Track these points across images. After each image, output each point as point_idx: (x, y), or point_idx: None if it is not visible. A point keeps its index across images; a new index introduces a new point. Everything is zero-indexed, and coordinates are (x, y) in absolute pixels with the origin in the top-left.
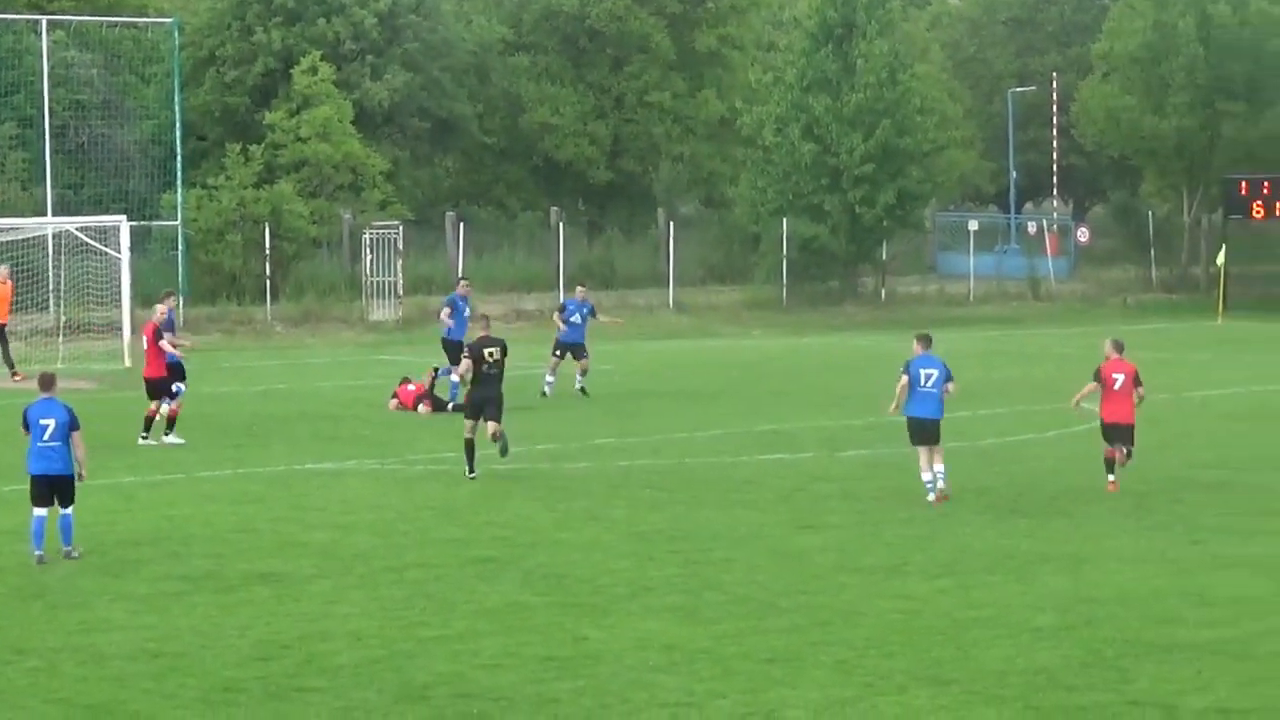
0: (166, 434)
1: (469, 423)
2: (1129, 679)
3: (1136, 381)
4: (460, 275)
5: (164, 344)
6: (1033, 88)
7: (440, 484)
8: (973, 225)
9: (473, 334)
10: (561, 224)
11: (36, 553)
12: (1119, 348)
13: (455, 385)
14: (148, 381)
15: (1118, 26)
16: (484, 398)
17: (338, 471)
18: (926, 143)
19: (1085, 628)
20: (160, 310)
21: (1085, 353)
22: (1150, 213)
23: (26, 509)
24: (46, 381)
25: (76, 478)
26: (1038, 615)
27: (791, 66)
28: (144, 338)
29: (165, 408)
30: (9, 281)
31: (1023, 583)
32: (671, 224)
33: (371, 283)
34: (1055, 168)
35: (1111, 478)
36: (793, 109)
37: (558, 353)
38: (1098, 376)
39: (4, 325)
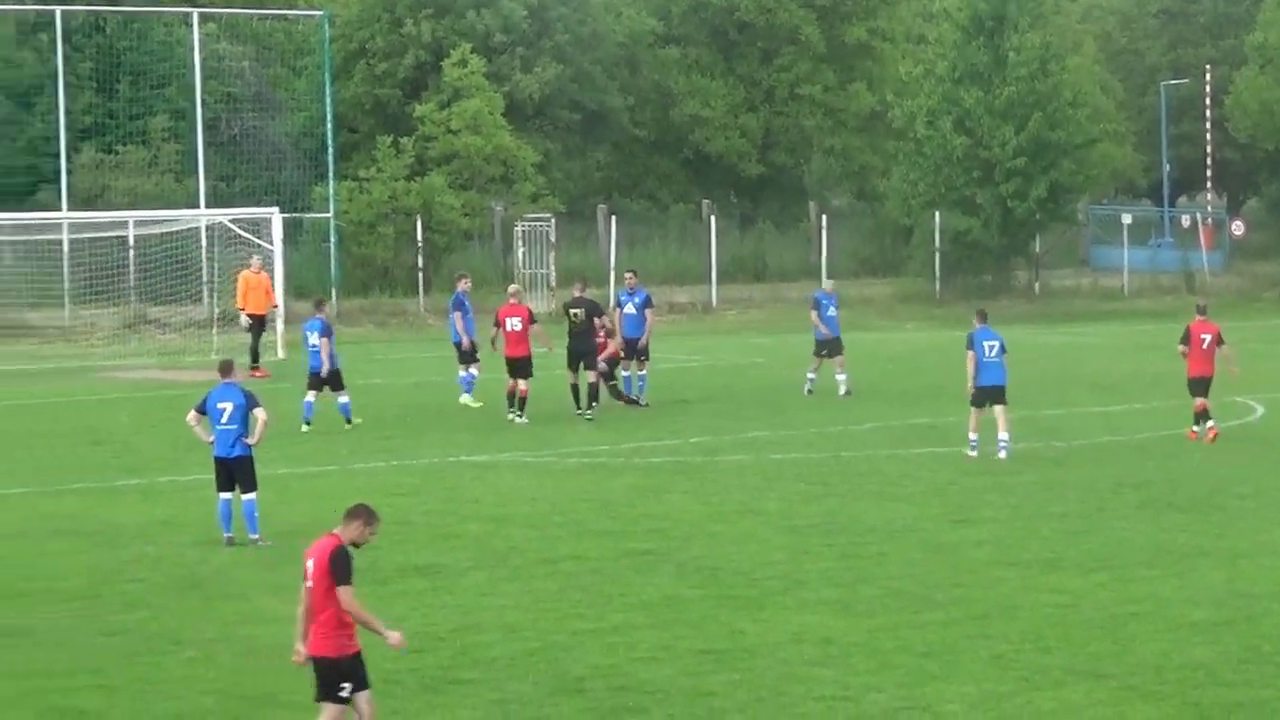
0: (511, 412)
1: (569, 371)
2: None
3: (1220, 340)
4: (627, 270)
5: (455, 317)
6: (1186, 80)
7: (595, 477)
8: (1126, 219)
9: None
10: (713, 217)
11: (225, 535)
12: (1202, 310)
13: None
14: (511, 360)
15: (1272, 18)
16: (577, 349)
17: (492, 464)
18: (1079, 135)
19: (1243, 623)
20: (463, 286)
21: (1238, 346)
22: None
23: (181, 500)
24: (226, 368)
25: (252, 449)
26: (1195, 610)
27: (942, 59)
28: (516, 320)
29: (524, 385)
30: (263, 272)
31: (1179, 577)
32: (824, 217)
33: (524, 275)
34: (1209, 161)
35: (1195, 429)
36: (944, 102)
37: (824, 352)
38: (1186, 338)
39: (264, 316)
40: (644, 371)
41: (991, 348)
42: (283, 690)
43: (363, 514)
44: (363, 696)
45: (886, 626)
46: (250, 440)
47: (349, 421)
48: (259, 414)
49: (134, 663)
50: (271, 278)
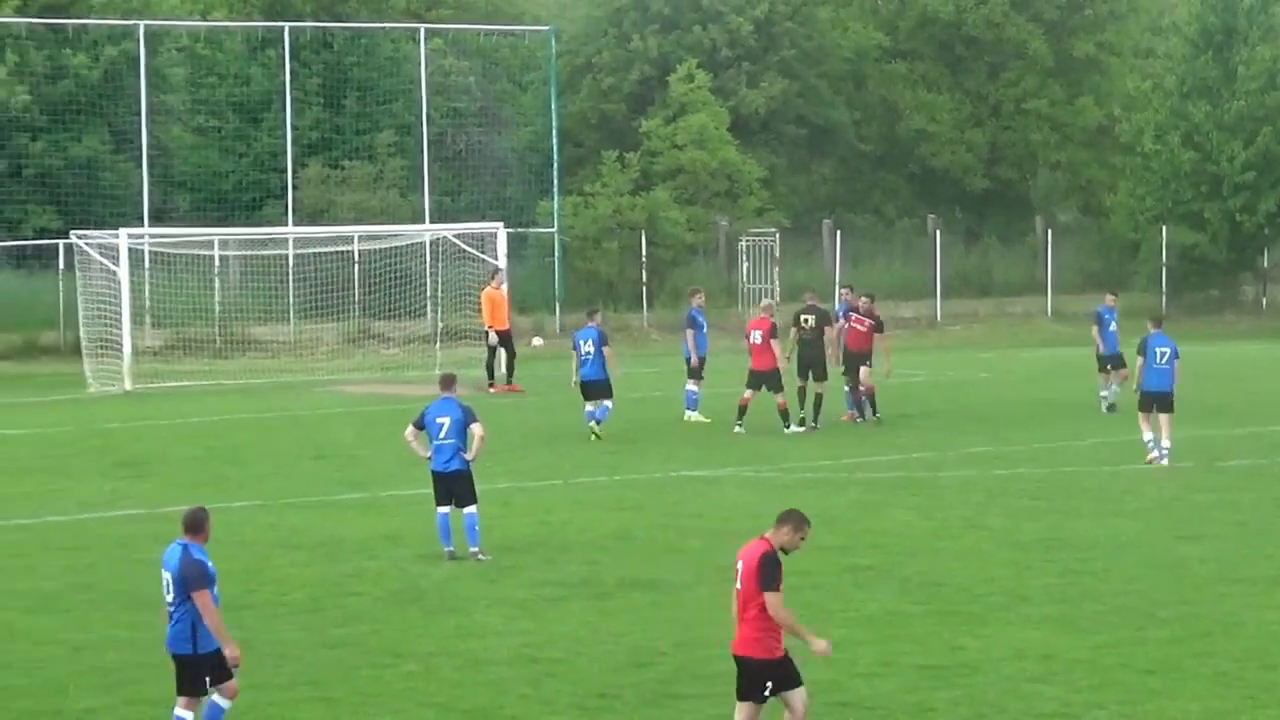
0: (786, 427)
1: (799, 381)
2: None
3: None
4: (843, 285)
5: (687, 334)
6: None
7: (817, 492)
8: None
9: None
10: (939, 231)
11: (446, 549)
12: None
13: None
14: (751, 372)
15: None
16: (807, 358)
17: (714, 479)
18: None
19: None
20: (697, 301)
21: None
22: None
23: (403, 514)
24: (446, 381)
25: (470, 464)
26: None
27: (1171, 73)
28: (757, 333)
29: (779, 399)
30: (503, 287)
31: None
32: (1049, 231)
33: (748, 289)
34: None
35: None
36: (1172, 116)
37: (1108, 366)
38: None
39: (507, 332)
40: (849, 387)
41: (1163, 354)
42: (502, 704)
43: (793, 519)
44: (795, 695)
45: (1109, 643)
46: (468, 456)
47: (596, 433)
48: (476, 429)
49: (354, 676)
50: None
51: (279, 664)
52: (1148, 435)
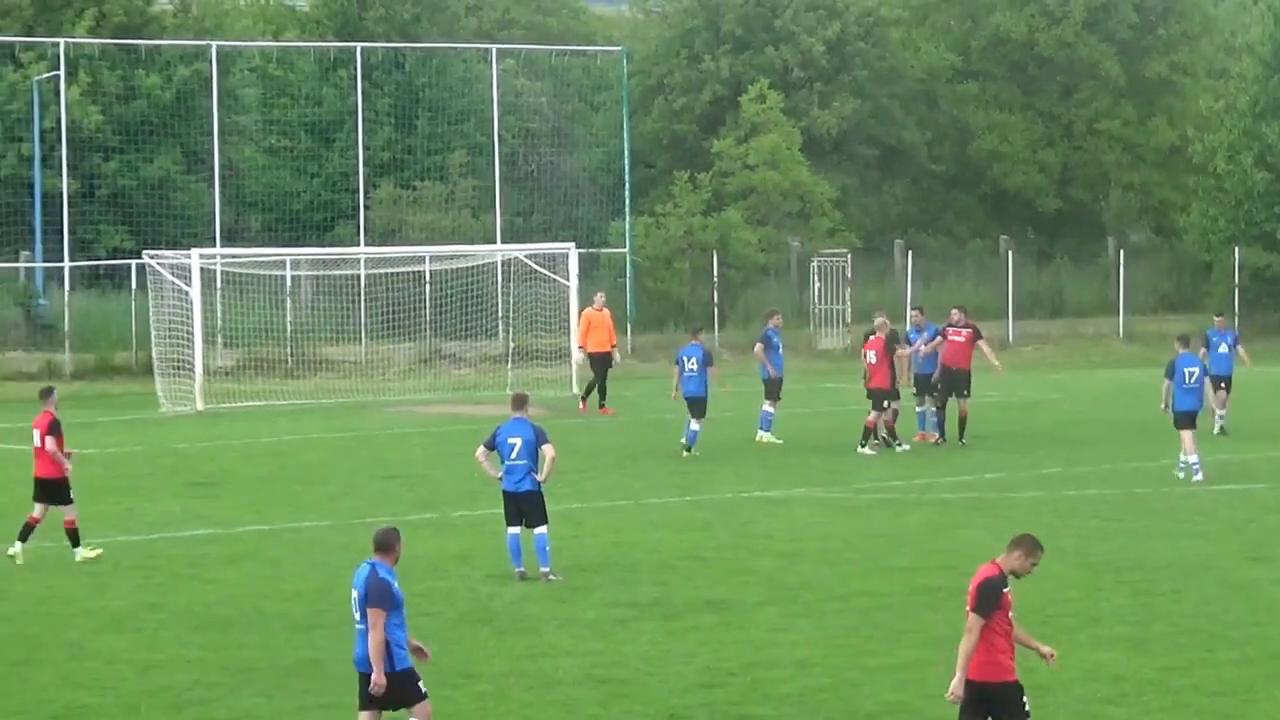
0: (861, 445)
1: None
2: None
3: None
4: (913, 307)
5: (758, 350)
6: None
7: (888, 513)
8: None
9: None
10: (1010, 252)
11: (516, 569)
12: None
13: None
14: (873, 392)
15: None
16: (889, 379)
17: (785, 499)
18: None
19: None
20: (774, 322)
21: None
22: None
23: (474, 534)
24: (518, 401)
25: (541, 485)
26: None
27: (1244, 93)
28: (872, 352)
29: (872, 416)
30: (606, 309)
31: None
32: (1121, 252)
33: (819, 310)
34: None
35: None
36: (1245, 137)
37: (1223, 385)
38: None
39: (608, 354)
40: (936, 407)
41: (1192, 374)
42: None
43: (1025, 544)
44: None
45: (1180, 665)
46: (539, 477)
47: (688, 450)
48: (547, 450)
49: None
50: (569, 313)
51: (350, 684)
52: (1194, 458)
